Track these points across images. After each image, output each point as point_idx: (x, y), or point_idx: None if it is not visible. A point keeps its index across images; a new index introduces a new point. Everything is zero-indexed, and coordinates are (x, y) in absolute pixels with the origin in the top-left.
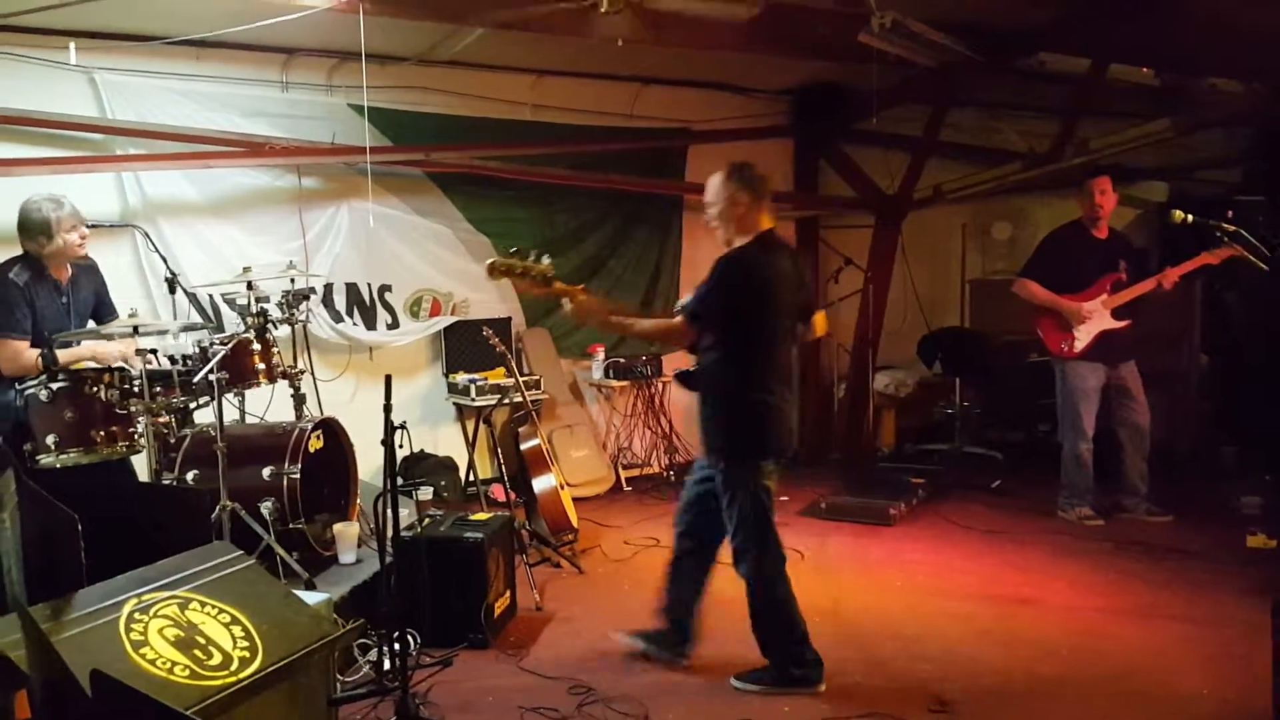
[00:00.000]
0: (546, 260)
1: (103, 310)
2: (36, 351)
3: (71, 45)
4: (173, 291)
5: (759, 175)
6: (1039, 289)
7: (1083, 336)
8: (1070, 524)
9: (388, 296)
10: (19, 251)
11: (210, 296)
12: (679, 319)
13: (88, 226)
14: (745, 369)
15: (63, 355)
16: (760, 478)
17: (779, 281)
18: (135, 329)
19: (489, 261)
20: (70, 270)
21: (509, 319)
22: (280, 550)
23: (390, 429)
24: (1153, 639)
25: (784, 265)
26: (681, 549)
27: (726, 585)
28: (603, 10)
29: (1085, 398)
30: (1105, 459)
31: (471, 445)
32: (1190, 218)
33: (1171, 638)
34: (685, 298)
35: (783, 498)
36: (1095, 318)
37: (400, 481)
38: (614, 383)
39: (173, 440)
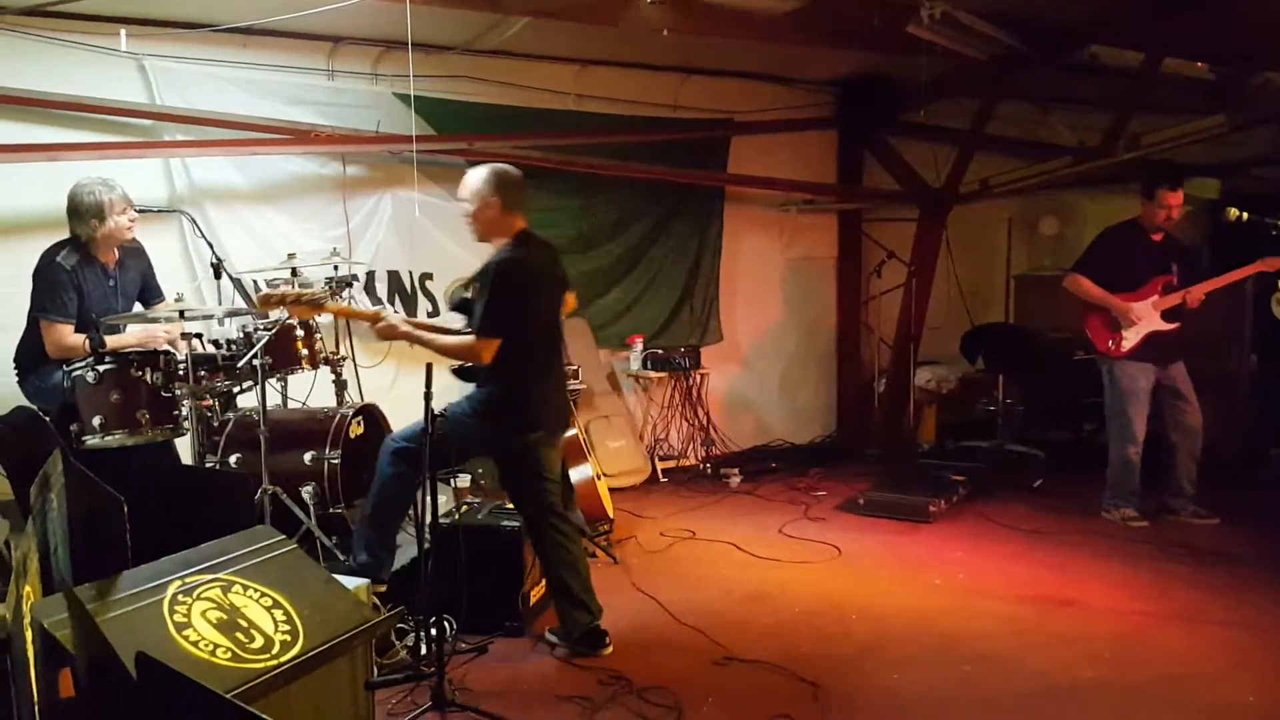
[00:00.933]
0: (320, 286)
1: (149, 292)
2: (82, 336)
3: (122, 32)
4: (218, 276)
5: (515, 182)
6: (1091, 285)
7: (1130, 336)
8: (1114, 525)
9: (429, 285)
10: (68, 235)
11: (255, 282)
12: (471, 338)
13: (136, 210)
14: (523, 359)
15: (110, 342)
16: (531, 449)
17: (545, 277)
18: (181, 313)
19: (258, 295)
20: (117, 253)
21: None
22: (320, 534)
23: (430, 417)
24: (1197, 644)
25: (546, 261)
26: None
27: (765, 582)
28: (648, 0)
29: (1135, 399)
30: (1151, 460)
31: None
32: (1245, 215)
33: (1217, 643)
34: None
35: (820, 492)
36: (1146, 319)
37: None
38: (652, 374)
39: (216, 424)
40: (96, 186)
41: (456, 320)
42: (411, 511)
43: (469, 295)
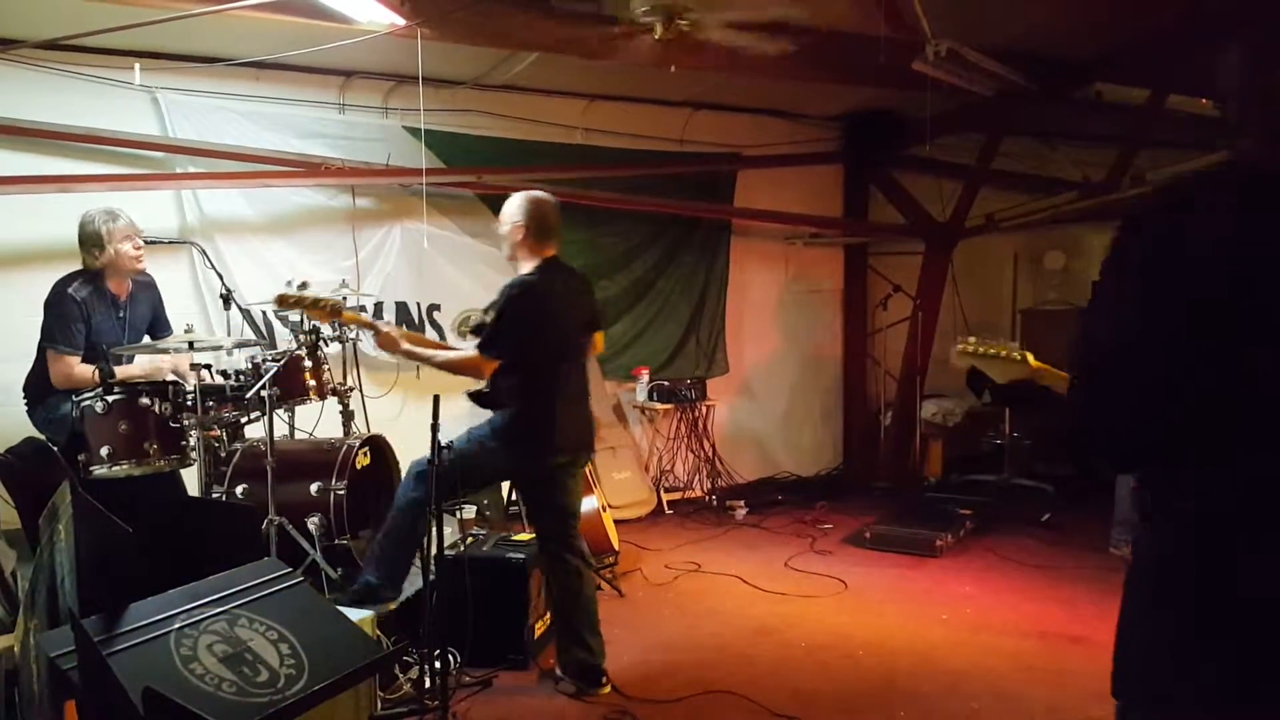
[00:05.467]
0: (335, 295)
1: (158, 326)
2: (89, 367)
3: (136, 66)
4: (227, 307)
5: (547, 211)
6: None
7: None
8: (1123, 560)
9: (436, 316)
10: (81, 266)
11: (264, 313)
12: (474, 352)
13: (144, 241)
14: (532, 384)
15: (119, 372)
16: (551, 477)
17: (560, 305)
18: (190, 344)
19: (277, 295)
20: (129, 286)
21: None
22: (326, 566)
23: (436, 449)
24: None
25: (565, 288)
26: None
27: (771, 616)
28: (658, 37)
29: None
30: None
31: None
32: None
33: None
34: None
35: (826, 525)
36: None
37: (444, 500)
38: (658, 405)
39: (223, 454)
40: (98, 215)
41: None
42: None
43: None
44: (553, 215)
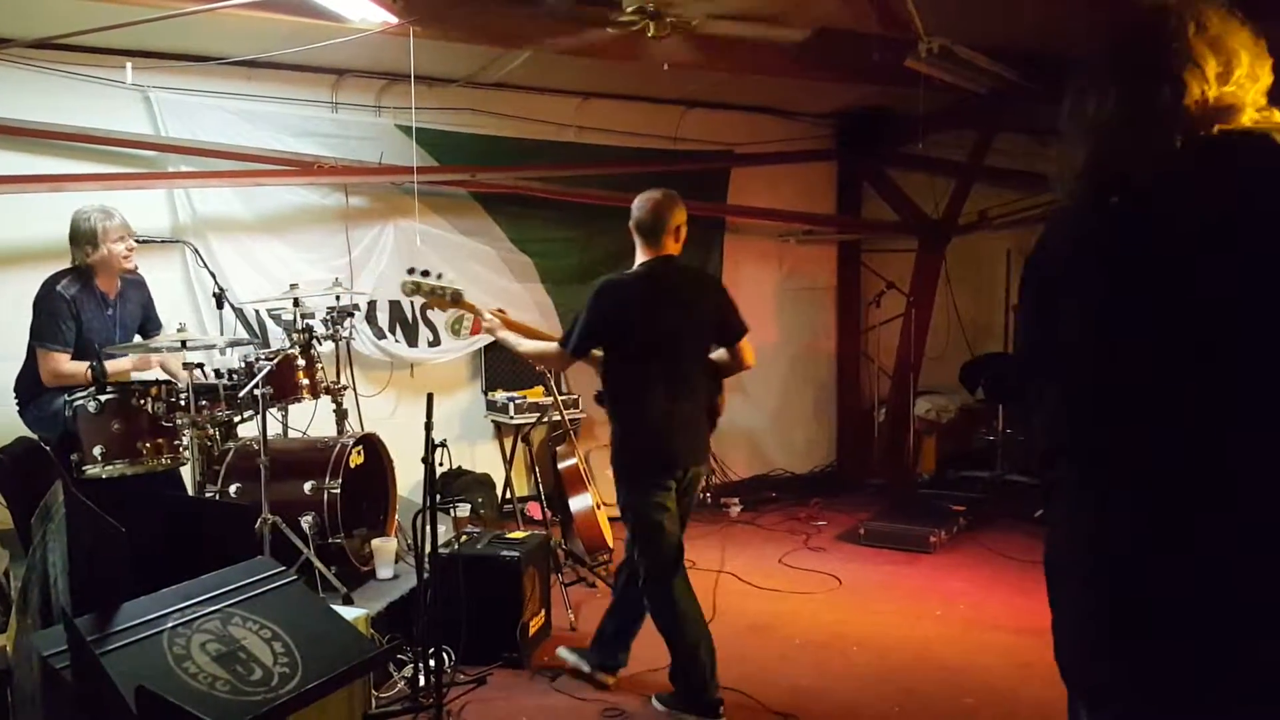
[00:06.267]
0: (452, 284)
1: (149, 324)
2: (81, 365)
3: (128, 65)
4: (220, 307)
5: (655, 213)
6: None
7: None
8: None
9: (430, 314)
10: (70, 264)
11: (257, 312)
12: (554, 345)
13: (137, 240)
14: (621, 388)
15: (109, 367)
16: (645, 493)
17: (653, 306)
18: (183, 343)
19: (401, 282)
20: (118, 284)
21: None
22: (319, 564)
23: (431, 447)
24: None
25: (670, 290)
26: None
27: (766, 613)
28: (651, 35)
29: None
30: None
31: (509, 463)
32: None
33: None
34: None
35: (820, 522)
36: None
37: (438, 498)
38: None
39: (216, 453)
40: (94, 213)
41: None
42: (410, 541)
43: None
44: (665, 215)
